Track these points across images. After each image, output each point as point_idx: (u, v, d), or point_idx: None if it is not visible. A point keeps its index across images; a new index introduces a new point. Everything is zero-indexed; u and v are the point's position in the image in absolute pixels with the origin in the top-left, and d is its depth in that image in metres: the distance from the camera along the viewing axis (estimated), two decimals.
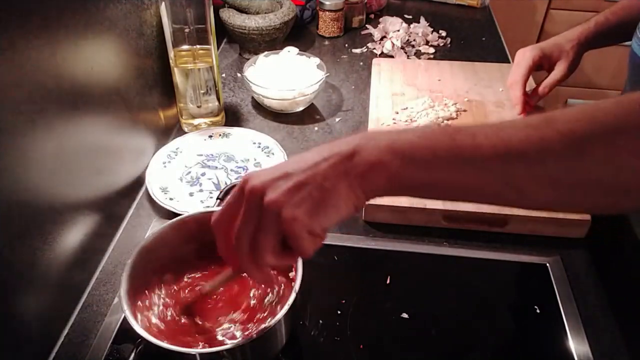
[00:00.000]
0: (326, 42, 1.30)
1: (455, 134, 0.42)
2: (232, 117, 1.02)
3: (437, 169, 0.42)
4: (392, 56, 1.23)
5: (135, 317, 0.53)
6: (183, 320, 0.56)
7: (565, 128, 0.40)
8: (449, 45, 1.29)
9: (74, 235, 0.66)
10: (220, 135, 0.94)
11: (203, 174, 0.87)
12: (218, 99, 0.95)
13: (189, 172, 0.87)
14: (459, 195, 0.46)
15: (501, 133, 0.42)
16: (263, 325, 0.53)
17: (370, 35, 1.31)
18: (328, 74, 1.03)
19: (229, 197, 0.47)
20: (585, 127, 0.40)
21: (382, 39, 1.29)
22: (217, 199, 0.68)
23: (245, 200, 0.45)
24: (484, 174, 0.42)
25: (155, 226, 0.77)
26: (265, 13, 1.14)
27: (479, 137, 0.42)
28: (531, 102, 0.91)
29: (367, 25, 1.34)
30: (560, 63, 0.89)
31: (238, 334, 0.55)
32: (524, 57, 0.92)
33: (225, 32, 1.22)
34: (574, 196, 0.43)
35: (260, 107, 1.04)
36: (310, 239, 0.44)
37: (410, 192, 0.46)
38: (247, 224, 0.44)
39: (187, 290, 0.59)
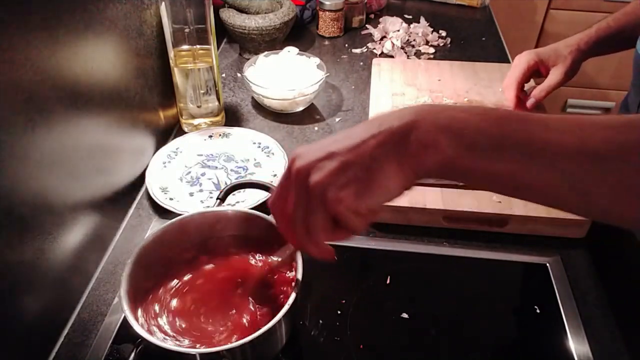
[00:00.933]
0: (326, 42, 1.30)
1: (526, 121, 0.39)
2: (232, 117, 1.02)
3: (499, 159, 0.39)
4: (392, 56, 1.23)
5: (136, 317, 0.53)
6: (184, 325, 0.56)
7: None
8: (449, 45, 1.29)
9: (74, 235, 0.66)
10: (220, 135, 0.94)
11: (203, 174, 0.87)
12: (218, 99, 0.95)
13: (189, 172, 0.87)
14: (516, 192, 0.43)
15: (578, 130, 0.38)
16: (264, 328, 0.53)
17: (370, 35, 1.31)
18: (328, 74, 1.03)
19: (281, 177, 0.46)
20: None
21: (382, 39, 1.29)
22: (217, 199, 0.68)
23: (294, 183, 0.44)
24: (552, 172, 0.39)
25: (155, 226, 0.77)
26: (265, 13, 1.14)
27: (553, 129, 0.38)
28: (527, 105, 0.91)
29: (367, 25, 1.34)
30: (556, 68, 0.88)
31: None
32: (520, 61, 0.91)
33: (225, 32, 1.22)
34: None
35: (260, 107, 1.04)
36: (358, 219, 0.43)
37: (464, 179, 0.43)
38: (298, 206, 0.44)
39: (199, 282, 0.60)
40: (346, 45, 1.29)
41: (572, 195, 0.40)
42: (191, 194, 0.82)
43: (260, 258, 0.62)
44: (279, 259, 0.58)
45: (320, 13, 1.28)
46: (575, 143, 0.38)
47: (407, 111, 0.41)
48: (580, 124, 0.39)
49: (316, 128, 1.00)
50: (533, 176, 0.39)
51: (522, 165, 0.39)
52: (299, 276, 0.54)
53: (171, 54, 0.88)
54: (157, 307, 0.57)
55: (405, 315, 0.66)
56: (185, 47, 0.88)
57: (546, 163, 0.38)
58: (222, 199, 0.68)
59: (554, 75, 0.88)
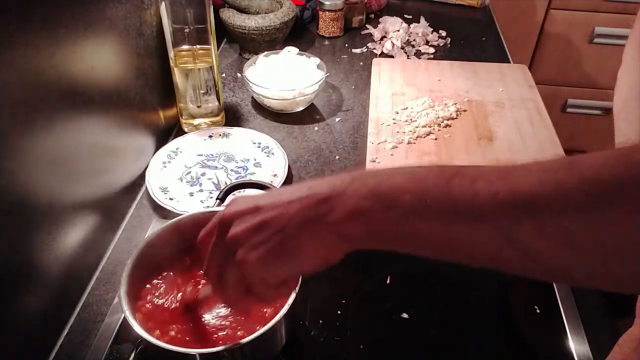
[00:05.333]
0: (326, 42, 1.30)
1: (453, 177, 0.35)
2: (232, 117, 1.02)
3: (424, 219, 0.35)
4: (392, 56, 1.23)
5: (135, 318, 0.53)
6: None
7: (589, 172, 0.32)
8: (449, 45, 1.29)
9: (74, 235, 0.66)
10: (220, 135, 0.94)
11: (203, 174, 0.87)
12: (218, 99, 0.95)
13: (189, 172, 0.87)
14: (449, 254, 0.38)
15: (508, 177, 0.33)
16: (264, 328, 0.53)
17: (370, 35, 1.31)
18: (328, 74, 1.03)
19: (214, 217, 0.44)
20: (616, 172, 0.31)
21: (382, 39, 1.29)
22: (217, 199, 0.68)
23: (217, 228, 0.42)
24: (480, 228, 0.34)
25: (155, 226, 0.77)
26: (265, 13, 1.14)
27: (480, 181, 0.34)
28: None
29: (367, 25, 1.34)
30: None
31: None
32: None
33: (225, 32, 1.22)
34: (593, 260, 0.33)
35: (260, 107, 1.04)
36: (264, 287, 0.41)
37: (392, 245, 0.39)
38: (214, 252, 0.42)
39: (188, 289, 0.59)
40: (346, 45, 1.29)
41: (514, 252, 0.34)
42: (191, 194, 0.82)
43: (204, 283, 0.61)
44: (204, 294, 0.56)
45: (320, 13, 1.28)
46: (504, 191, 0.33)
47: (339, 177, 0.39)
48: (511, 171, 0.34)
49: (316, 128, 1.00)
50: (463, 235, 0.35)
51: (448, 224, 0.35)
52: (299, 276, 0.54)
53: (171, 54, 0.88)
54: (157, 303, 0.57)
55: (405, 315, 0.66)
56: (185, 47, 0.88)
57: (474, 218, 0.34)
58: (221, 199, 0.68)
59: None
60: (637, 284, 0.34)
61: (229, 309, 0.55)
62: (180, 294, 0.58)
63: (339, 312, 0.66)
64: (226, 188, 0.69)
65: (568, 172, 0.32)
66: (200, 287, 0.59)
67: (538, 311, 0.67)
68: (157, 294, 0.58)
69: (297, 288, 0.53)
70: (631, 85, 0.65)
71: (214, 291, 0.46)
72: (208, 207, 0.75)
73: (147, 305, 0.57)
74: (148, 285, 0.59)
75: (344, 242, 0.38)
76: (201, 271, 0.49)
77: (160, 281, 0.59)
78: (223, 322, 0.56)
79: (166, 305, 0.57)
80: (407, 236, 0.37)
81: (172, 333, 0.55)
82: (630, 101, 0.65)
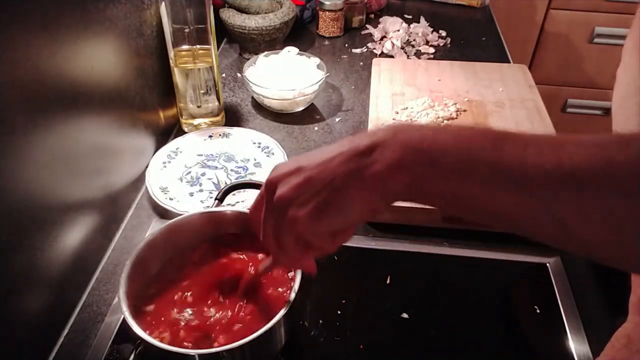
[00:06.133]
0: (326, 42, 1.30)
1: (503, 140, 0.34)
2: (232, 117, 1.02)
3: (468, 181, 0.35)
4: (392, 56, 1.23)
5: (135, 318, 0.52)
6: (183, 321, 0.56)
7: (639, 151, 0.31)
8: (449, 45, 1.29)
9: (74, 235, 0.66)
10: (220, 135, 0.94)
11: (203, 174, 0.87)
12: (218, 99, 0.95)
13: (189, 172, 0.87)
14: (488, 218, 0.37)
15: (560, 150, 0.33)
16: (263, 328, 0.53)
17: (370, 35, 1.31)
18: (328, 74, 1.03)
19: (261, 188, 0.45)
20: None
21: (382, 39, 1.29)
22: (215, 199, 0.68)
23: (264, 194, 0.43)
24: (525, 197, 0.34)
25: (155, 226, 0.77)
26: (265, 13, 1.14)
27: (531, 150, 0.33)
28: None
29: (367, 25, 1.34)
30: None
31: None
32: None
33: (225, 32, 1.22)
34: (630, 241, 0.32)
35: (260, 107, 1.04)
36: (321, 240, 0.41)
37: (433, 203, 0.39)
38: (267, 218, 0.43)
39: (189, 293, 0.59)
40: (346, 45, 1.29)
41: (548, 224, 0.34)
42: (191, 194, 0.82)
43: (262, 257, 0.62)
44: (265, 266, 0.56)
45: (320, 13, 1.28)
46: (554, 165, 0.32)
47: (382, 130, 0.38)
48: (564, 143, 0.33)
49: (316, 128, 1.00)
50: (508, 203, 0.34)
51: (496, 190, 0.34)
52: (298, 276, 0.54)
53: (171, 54, 0.88)
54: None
55: (405, 315, 0.66)
56: (185, 47, 0.88)
57: (522, 188, 0.34)
58: (220, 200, 0.68)
59: None
60: None
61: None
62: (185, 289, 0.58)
63: (339, 312, 0.66)
64: (225, 188, 0.69)
65: (619, 150, 0.31)
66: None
67: (538, 311, 0.67)
68: (161, 294, 0.58)
69: (297, 288, 0.53)
70: (629, 82, 0.65)
71: (274, 259, 0.46)
72: (208, 207, 0.75)
73: (150, 307, 0.57)
74: (150, 289, 0.59)
75: (387, 194, 0.38)
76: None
77: (161, 281, 0.59)
78: (222, 322, 0.56)
79: (171, 308, 0.57)
80: (449, 196, 0.36)
81: (181, 333, 0.55)
82: (627, 98, 0.65)
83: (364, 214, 0.39)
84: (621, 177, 0.31)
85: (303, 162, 0.41)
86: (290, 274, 0.58)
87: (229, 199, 0.70)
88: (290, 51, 1.07)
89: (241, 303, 0.57)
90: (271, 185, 0.42)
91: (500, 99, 1.00)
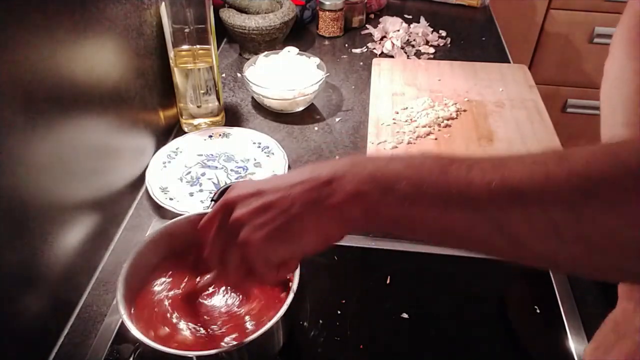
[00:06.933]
0: (326, 42, 1.30)
1: (449, 165, 0.36)
2: (232, 117, 1.02)
3: (420, 204, 0.37)
4: (392, 56, 1.23)
5: (132, 321, 0.52)
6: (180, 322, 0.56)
7: (578, 167, 0.32)
8: (449, 45, 1.29)
9: (74, 235, 0.66)
10: (220, 135, 0.94)
11: (203, 174, 0.87)
12: (218, 99, 0.95)
13: (189, 172, 0.87)
14: (442, 238, 0.39)
15: (502, 167, 0.35)
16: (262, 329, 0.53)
17: (370, 35, 1.31)
18: (328, 74, 1.03)
19: (217, 203, 0.46)
20: (602, 169, 0.32)
21: (382, 39, 1.29)
22: (212, 200, 0.68)
23: (219, 212, 0.43)
24: (473, 215, 0.35)
25: (156, 226, 0.77)
26: (265, 13, 1.14)
27: (475, 171, 0.35)
28: None
29: (367, 25, 1.34)
30: None
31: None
32: None
33: (225, 32, 1.22)
34: (577, 251, 0.34)
35: (260, 107, 1.04)
36: (266, 267, 0.42)
37: (389, 228, 0.40)
38: (218, 235, 0.43)
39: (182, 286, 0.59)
40: (346, 45, 1.29)
41: (503, 239, 0.35)
42: (191, 194, 0.82)
43: None
44: (208, 279, 0.56)
45: (320, 13, 1.28)
46: (496, 181, 0.34)
47: (338, 162, 0.40)
48: (505, 162, 0.35)
49: (316, 128, 1.00)
50: (456, 221, 0.36)
51: (443, 209, 0.36)
52: (297, 277, 0.54)
53: (171, 54, 0.88)
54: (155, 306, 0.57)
55: (405, 315, 0.66)
56: (185, 47, 0.88)
57: (467, 205, 0.35)
58: (216, 200, 0.68)
59: None
60: (620, 275, 0.36)
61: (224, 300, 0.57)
62: (179, 289, 0.58)
63: (339, 312, 0.66)
64: (221, 189, 0.69)
65: (558, 165, 0.33)
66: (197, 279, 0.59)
67: (538, 311, 0.67)
68: (158, 292, 0.58)
69: (295, 288, 0.53)
70: (616, 75, 0.66)
71: (216, 275, 0.47)
72: (208, 207, 0.75)
73: (147, 306, 0.57)
74: (150, 288, 0.59)
75: (345, 223, 0.40)
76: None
77: (161, 281, 0.59)
78: (220, 323, 0.56)
79: (166, 304, 0.57)
80: (403, 220, 0.38)
81: (182, 333, 0.55)
82: (613, 89, 0.65)
83: (317, 243, 0.41)
84: (563, 191, 0.33)
85: (263, 186, 0.42)
86: (289, 275, 0.58)
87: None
88: (290, 51, 1.07)
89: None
90: (228, 205, 0.42)
91: (500, 99, 1.00)
